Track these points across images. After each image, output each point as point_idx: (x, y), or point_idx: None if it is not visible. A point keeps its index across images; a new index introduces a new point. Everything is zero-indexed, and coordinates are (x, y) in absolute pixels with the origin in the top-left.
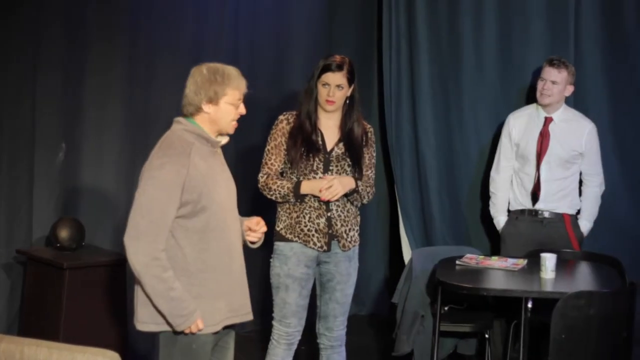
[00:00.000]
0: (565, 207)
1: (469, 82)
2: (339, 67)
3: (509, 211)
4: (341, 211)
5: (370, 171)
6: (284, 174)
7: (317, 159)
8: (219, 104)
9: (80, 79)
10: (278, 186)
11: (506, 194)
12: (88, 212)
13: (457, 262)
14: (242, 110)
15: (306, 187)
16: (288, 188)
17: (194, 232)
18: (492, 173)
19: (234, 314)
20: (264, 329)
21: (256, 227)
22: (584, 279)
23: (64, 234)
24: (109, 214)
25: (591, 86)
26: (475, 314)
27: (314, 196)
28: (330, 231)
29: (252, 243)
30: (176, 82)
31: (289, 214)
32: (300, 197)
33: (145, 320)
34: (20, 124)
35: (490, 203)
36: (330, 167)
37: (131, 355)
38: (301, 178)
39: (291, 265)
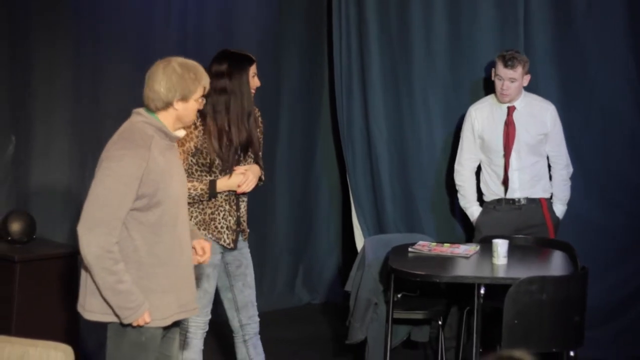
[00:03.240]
0: (540, 192)
1: (419, 70)
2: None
3: (483, 202)
4: (244, 207)
5: (261, 152)
6: (192, 178)
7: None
8: (189, 101)
9: (27, 72)
10: (189, 188)
11: (473, 184)
12: (39, 205)
13: (410, 249)
14: (202, 105)
15: (222, 185)
16: (201, 189)
17: (147, 226)
18: (456, 166)
19: (183, 309)
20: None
21: (201, 253)
22: (536, 264)
23: (14, 227)
24: (59, 206)
25: (540, 71)
26: (428, 301)
27: (230, 193)
28: (238, 228)
29: None
30: (124, 72)
31: (202, 209)
32: (215, 196)
33: (93, 310)
34: None
35: (459, 195)
36: (240, 164)
37: (84, 348)
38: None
39: (211, 254)
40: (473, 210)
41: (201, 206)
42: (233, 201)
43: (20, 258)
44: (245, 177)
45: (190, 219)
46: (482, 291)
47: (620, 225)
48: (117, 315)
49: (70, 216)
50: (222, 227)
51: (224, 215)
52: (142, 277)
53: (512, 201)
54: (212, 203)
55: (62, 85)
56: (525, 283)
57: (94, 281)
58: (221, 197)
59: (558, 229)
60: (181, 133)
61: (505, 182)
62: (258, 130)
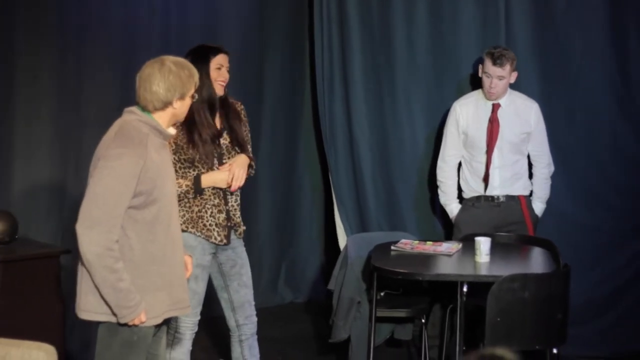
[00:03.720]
0: (520, 189)
1: (401, 69)
2: (225, 50)
3: (462, 199)
4: (235, 201)
5: (249, 146)
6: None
7: (215, 154)
8: (185, 98)
9: (8, 70)
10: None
11: (455, 181)
12: (21, 205)
13: (392, 247)
14: (194, 100)
15: (207, 180)
16: (187, 185)
17: (143, 224)
18: (439, 162)
19: (174, 306)
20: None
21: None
22: (518, 262)
23: None
24: (42, 206)
25: (522, 69)
26: (411, 299)
27: (217, 188)
28: (229, 223)
29: None
30: (107, 71)
31: (189, 207)
32: (200, 192)
33: (88, 309)
34: None
35: (440, 192)
36: (224, 160)
37: (68, 349)
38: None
39: (198, 255)
40: (453, 208)
41: (188, 204)
42: (221, 195)
43: (2, 258)
44: (231, 172)
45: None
46: (464, 289)
47: (603, 223)
48: (113, 314)
49: (53, 216)
50: (210, 225)
51: (211, 212)
52: (136, 276)
53: (492, 198)
54: (199, 200)
55: (45, 85)
56: (507, 281)
57: (91, 280)
58: (208, 191)
59: (537, 226)
60: (172, 131)
61: (486, 180)
62: (242, 123)
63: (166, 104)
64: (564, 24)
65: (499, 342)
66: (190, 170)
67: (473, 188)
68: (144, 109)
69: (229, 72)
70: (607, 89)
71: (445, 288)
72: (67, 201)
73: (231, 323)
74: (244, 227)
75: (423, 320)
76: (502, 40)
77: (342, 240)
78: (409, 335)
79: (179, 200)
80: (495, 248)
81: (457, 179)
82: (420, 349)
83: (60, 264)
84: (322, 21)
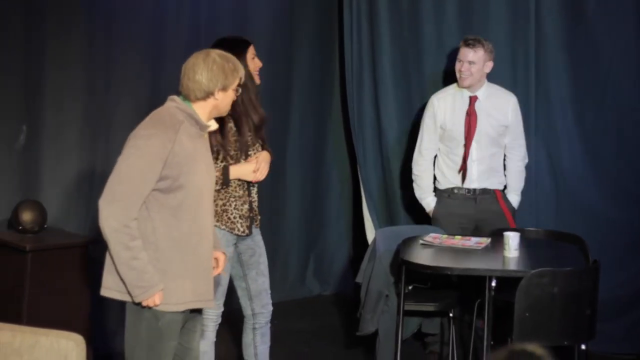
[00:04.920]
0: (496, 183)
1: (430, 63)
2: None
3: (437, 190)
4: (256, 193)
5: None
6: None
7: (235, 148)
8: (228, 90)
9: (40, 61)
10: None
11: (431, 175)
12: (50, 195)
13: (421, 241)
14: (237, 95)
15: (235, 172)
16: (215, 176)
17: (167, 208)
18: (415, 155)
19: (198, 298)
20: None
21: (214, 265)
22: (547, 257)
23: (26, 216)
24: (71, 196)
25: (552, 66)
26: (439, 293)
27: (242, 180)
28: (251, 215)
29: None
30: (136, 62)
31: (214, 201)
32: (228, 183)
33: (108, 286)
34: None
35: (415, 185)
36: (249, 153)
37: (96, 338)
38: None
39: (222, 246)
40: (429, 201)
41: (213, 198)
42: (245, 187)
43: (31, 247)
44: (257, 165)
45: None
46: (493, 284)
47: (632, 219)
48: (129, 293)
49: (82, 205)
50: (235, 217)
51: (235, 205)
52: (158, 259)
53: (467, 190)
54: (223, 194)
55: (75, 76)
56: (536, 276)
57: (111, 257)
58: (234, 184)
59: (515, 217)
60: (214, 126)
61: (464, 172)
62: None
63: (208, 94)
64: (595, 21)
65: (526, 337)
66: (217, 161)
67: (449, 180)
68: (186, 98)
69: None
70: (638, 85)
71: (473, 282)
72: (95, 191)
73: (247, 312)
74: (260, 217)
75: (451, 315)
76: (531, 36)
77: (370, 233)
78: (437, 329)
79: None
80: (524, 243)
81: (432, 172)
82: (447, 343)
83: (88, 254)
84: (352, 15)
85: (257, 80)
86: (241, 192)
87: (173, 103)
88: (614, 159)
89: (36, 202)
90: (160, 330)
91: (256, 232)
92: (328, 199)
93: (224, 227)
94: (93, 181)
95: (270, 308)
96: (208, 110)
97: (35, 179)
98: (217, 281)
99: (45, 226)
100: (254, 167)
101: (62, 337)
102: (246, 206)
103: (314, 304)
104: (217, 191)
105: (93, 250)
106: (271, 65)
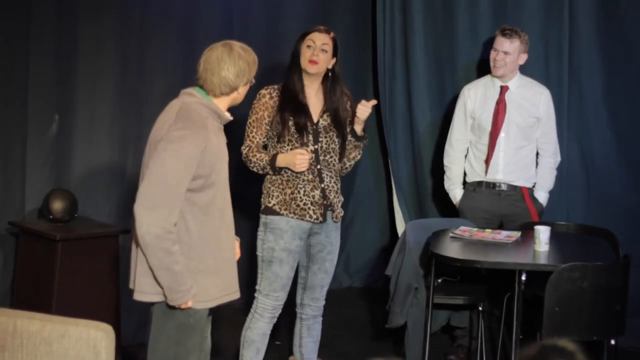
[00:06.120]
0: (523, 180)
1: (464, 54)
2: (326, 31)
3: (465, 183)
4: (332, 182)
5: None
6: (268, 147)
7: (305, 131)
8: (248, 84)
9: (72, 52)
10: (257, 159)
11: (461, 167)
12: (81, 184)
13: (451, 234)
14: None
15: (281, 160)
16: (265, 161)
17: (200, 207)
18: (446, 146)
19: (227, 292)
20: (244, 300)
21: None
22: (577, 251)
23: (56, 205)
24: (101, 185)
25: (585, 60)
26: (468, 286)
27: (288, 169)
28: (325, 202)
29: None
30: (169, 53)
31: (282, 189)
32: (277, 171)
33: (145, 291)
34: (13, 96)
35: (445, 177)
36: (320, 139)
37: (125, 328)
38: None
39: (287, 238)
40: (456, 193)
41: (281, 186)
42: (315, 172)
43: (61, 237)
44: (302, 155)
45: (270, 199)
46: (523, 278)
47: None
48: (164, 296)
49: (112, 195)
50: (305, 204)
51: (305, 190)
52: (191, 259)
53: (493, 185)
54: (293, 181)
55: (106, 65)
56: (566, 270)
57: (146, 261)
58: (304, 174)
59: (542, 216)
60: (229, 116)
61: (488, 162)
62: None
63: (233, 89)
64: (628, 18)
65: (556, 331)
66: (277, 149)
67: (476, 172)
68: (208, 92)
69: (324, 52)
70: None
71: (503, 276)
72: (126, 181)
73: (297, 300)
74: (342, 213)
75: (480, 308)
76: (565, 32)
77: (401, 226)
78: (466, 323)
79: (273, 179)
80: (554, 237)
81: (463, 164)
82: (476, 337)
83: (118, 244)
84: (385, 6)
85: (308, 69)
86: (310, 176)
87: (194, 98)
88: None
89: (67, 192)
90: (192, 327)
91: (334, 227)
92: (358, 191)
93: (292, 215)
94: (125, 171)
95: (321, 304)
96: (228, 104)
97: (67, 168)
98: (272, 255)
99: (76, 215)
100: (300, 158)
101: (92, 327)
102: (317, 192)
103: (343, 296)
104: (287, 179)
105: (123, 240)
106: None
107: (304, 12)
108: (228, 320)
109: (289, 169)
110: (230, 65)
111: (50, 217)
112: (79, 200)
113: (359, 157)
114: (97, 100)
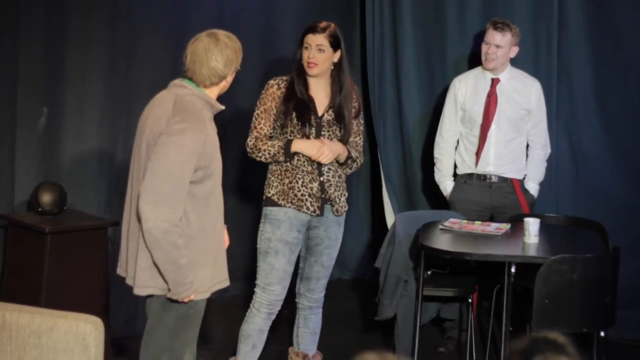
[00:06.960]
0: (513, 172)
1: (453, 46)
2: (321, 30)
3: (455, 175)
4: (332, 176)
5: (358, 138)
6: (273, 139)
7: (308, 124)
8: (234, 72)
9: (62, 45)
10: (268, 146)
11: (451, 159)
12: (70, 177)
13: (440, 226)
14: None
15: (297, 145)
16: (279, 146)
17: (200, 198)
18: (437, 138)
19: (218, 279)
20: (248, 294)
21: None
22: (567, 243)
23: (45, 198)
24: (91, 178)
25: (574, 52)
26: (458, 278)
27: (304, 156)
28: (323, 195)
29: None
30: (158, 48)
31: (281, 179)
32: (290, 156)
33: (147, 285)
34: (1, 89)
35: (435, 169)
36: (322, 132)
37: (114, 320)
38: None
39: (284, 229)
40: (446, 185)
41: (280, 176)
42: (315, 165)
43: (50, 229)
44: (322, 144)
45: (270, 189)
46: (512, 270)
47: None
48: (168, 289)
49: (101, 188)
50: (302, 195)
51: (303, 181)
52: (190, 250)
53: (483, 177)
54: (291, 172)
55: (95, 58)
56: (556, 262)
57: (151, 256)
58: (303, 157)
59: (533, 208)
60: (221, 105)
61: (479, 154)
62: (352, 111)
63: (222, 79)
64: (618, 8)
65: (545, 323)
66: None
67: (467, 164)
68: (198, 84)
69: (321, 51)
70: None
71: (493, 268)
72: (115, 173)
73: (296, 290)
74: (345, 207)
75: (470, 300)
76: (554, 22)
77: (390, 218)
78: (455, 315)
79: (272, 169)
80: (544, 229)
81: (453, 156)
82: (466, 329)
83: (108, 236)
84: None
85: (308, 71)
86: (309, 168)
87: (186, 90)
88: (635, 146)
89: (56, 184)
90: (191, 318)
91: (334, 222)
92: (347, 182)
93: (289, 204)
94: (113, 164)
95: (317, 297)
96: (218, 93)
97: (55, 161)
98: (267, 246)
99: (65, 208)
100: (319, 146)
101: (81, 319)
102: (316, 184)
103: (333, 289)
104: (285, 169)
105: (112, 232)
106: (292, 47)
107: (294, 5)
108: (231, 314)
109: (301, 154)
110: (218, 55)
111: (40, 209)
112: (68, 192)
113: (355, 168)
114: (86, 93)
